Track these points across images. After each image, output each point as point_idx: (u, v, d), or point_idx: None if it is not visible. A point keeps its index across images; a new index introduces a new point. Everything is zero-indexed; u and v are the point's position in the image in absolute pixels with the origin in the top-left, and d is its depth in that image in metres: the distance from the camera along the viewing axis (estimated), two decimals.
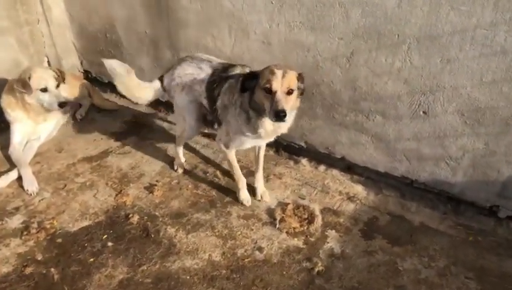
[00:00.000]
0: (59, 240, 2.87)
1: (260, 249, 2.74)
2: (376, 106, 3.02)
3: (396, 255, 2.63)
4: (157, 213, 3.07)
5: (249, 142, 2.84)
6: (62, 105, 3.50)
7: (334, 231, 2.85)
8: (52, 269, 2.64)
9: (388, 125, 3.04)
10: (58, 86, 3.62)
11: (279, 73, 2.36)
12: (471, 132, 2.71)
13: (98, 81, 4.91)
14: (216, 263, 2.66)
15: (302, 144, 3.59)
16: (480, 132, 2.68)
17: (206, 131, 3.91)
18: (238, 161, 3.53)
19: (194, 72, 3.02)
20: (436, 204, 3.03)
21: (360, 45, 2.87)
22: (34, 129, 3.75)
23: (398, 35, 2.70)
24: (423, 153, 2.98)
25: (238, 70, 2.81)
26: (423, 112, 2.84)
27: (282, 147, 3.73)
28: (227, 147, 2.94)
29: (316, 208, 2.99)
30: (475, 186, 2.87)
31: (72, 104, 4.25)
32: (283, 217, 2.94)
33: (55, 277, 2.59)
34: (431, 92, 2.75)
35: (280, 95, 2.35)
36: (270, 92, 2.37)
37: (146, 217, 3.03)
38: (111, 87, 4.83)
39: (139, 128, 4.17)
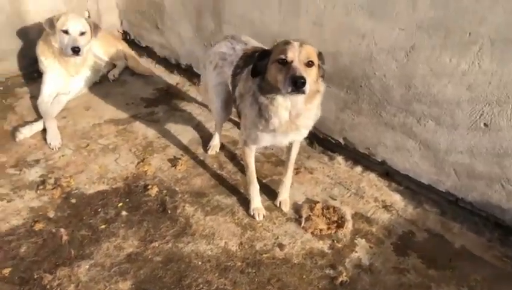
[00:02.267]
0: (73, 201, 2.75)
1: (281, 246, 2.52)
2: (430, 110, 2.71)
3: (430, 279, 2.36)
4: (177, 189, 2.89)
5: (265, 139, 2.40)
6: (75, 50, 3.33)
7: (364, 240, 2.59)
8: (62, 230, 2.52)
9: (440, 133, 2.73)
10: (88, 37, 3.48)
11: (295, 43, 2.04)
12: None
13: (135, 44, 4.76)
14: (232, 252, 2.46)
15: (340, 140, 3.32)
16: None
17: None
18: (267, 149, 3.31)
19: (227, 52, 2.71)
20: (481, 230, 2.71)
21: (423, 39, 2.56)
22: (65, 82, 3.64)
23: (469, 34, 2.38)
24: (476, 170, 2.66)
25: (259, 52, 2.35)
26: (484, 124, 2.52)
27: (317, 140, 3.47)
28: (245, 143, 2.53)
29: (348, 212, 2.74)
30: None
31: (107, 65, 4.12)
32: (310, 215, 2.70)
33: (64, 238, 2.48)
34: (498, 102, 2.42)
35: (298, 64, 1.99)
36: (286, 63, 2.01)
37: (165, 191, 2.86)
38: (148, 51, 4.68)
39: (171, 97, 3.99)
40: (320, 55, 2.18)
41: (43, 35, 3.62)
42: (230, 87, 2.68)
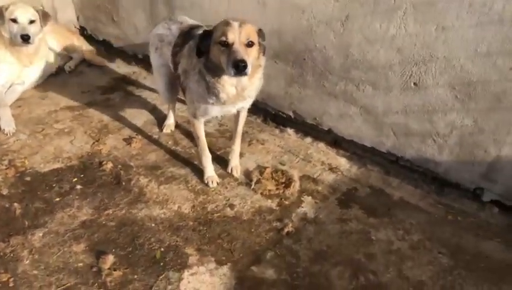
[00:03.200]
0: (27, 179, 2.79)
1: (231, 206, 2.65)
2: (367, 76, 2.92)
3: (370, 226, 2.54)
4: (131, 164, 2.98)
5: (215, 110, 2.52)
6: (24, 38, 3.38)
7: (310, 197, 2.75)
8: (16, 204, 2.56)
9: (378, 97, 2.94)
10: (38, 25, 3.52)
11: (235, 24, 2.13)
12: (461, 107, 2.61)
13: (93, 38, 4.82)
14: (184, 214, 2.57)
15: (290, 113, 3.49)
16: (470, 107, 2.58)
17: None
18: (222, 125, 3.46)
19: (164, 33, 2.82)
20: (420, 184, 2.92)
21: (355, 9, 2.77)
22: (19, 72, 3.65)
23: (394, 0, 2.60)
24: (411, 128, 2.88)
25: (201, 32, 2.40)
26: (414, 84, 2.74)
27: (270, 116, 3.63)
28: (194, 116, 2.63)
29: (295, 174, 2.90)
30: (460, 167, 2.77)
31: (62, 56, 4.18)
32: (260, 179, 2.85)
33: (18, 211, 2.52)
34: (423, 62, 2.64)
35: (238, 46, 2.10)
36: (227, 45, 2.12)
37: (120, 166, 2.94)
38: (105, 45, 4.75)
39: (127, 85, 4.07)
40: (260, 32, 2.28)
41: None
42: (171, 67, 2.76)
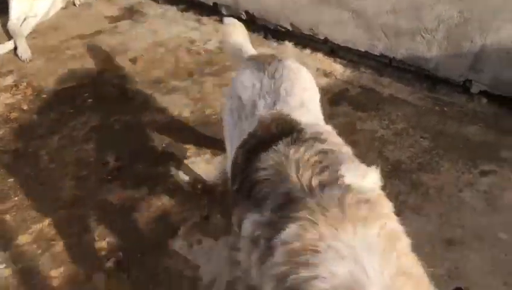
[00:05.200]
0: (44, 96, 3.07)
1: None
2: None
3: (357, 118, 2.68)
4: (137, 80, 3.20)
5: None
6: None
7: None
8: (35, 116, 2.86)
9: None
10: None
11: None
12: None
13: None
14: (184, 118, 2.80)
15: (288, 26, 3.56)
16: None
17: None
18: None
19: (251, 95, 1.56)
20: (412, 82, 3.00)
21: None
22: (31, 5, 3.88)
23: None
24: (400, 27, 2.91)
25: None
26: None
27: (270, 32, 3.71)
28: None
29: None
30: (449, 61, 2.81)
31: None
32: None
33: (36, 121, 2.81)
34: None
35: None
36: None
37: (126, 82, 3.17)
38: None
39: (134, 14, 4.22)
40: None
41: None
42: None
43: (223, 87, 3.05)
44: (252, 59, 1.76)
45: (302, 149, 1.20)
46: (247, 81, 1.59)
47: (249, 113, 1.50)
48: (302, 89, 1.57)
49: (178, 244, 2.09)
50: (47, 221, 2.18)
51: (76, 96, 3.04)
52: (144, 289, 1.94)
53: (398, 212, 1.06)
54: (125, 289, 1.93)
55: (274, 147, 1.24)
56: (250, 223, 1.13)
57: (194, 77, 3.20)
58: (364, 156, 2.36)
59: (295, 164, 1.15)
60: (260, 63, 1.64)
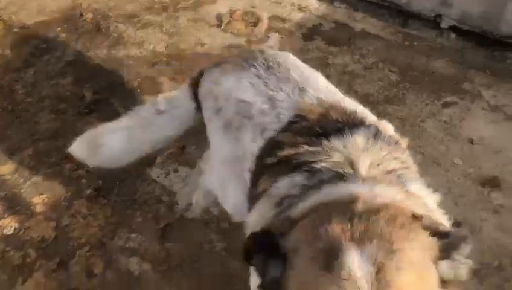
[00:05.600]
0: (16, 30, 3.02)
1: (202, 44, 2.86)
2: None
3: (329, 53, 2.74)
4: (110, 14, 3.14)
5: None
6: None
7: (277, 33, 2.92)
8: (7, 50, 2.84)
9: None
10: None
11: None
12: None
13: None
14: (159, 52, 2.81)
15: None
16: None
17: None
18: None
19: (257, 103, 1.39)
20: (385, 18, 3.03)
21: None
22: None
23: None
24: None
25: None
26: None
27: None
28: None
29: (264, 15, 3.03)
30: None
31: None
32: (230, 20, 3.01)
33: (9, 56, 2.79)
34: None
35: None
36: None
37: (99, 16, 3.11)
38: None
39: None
40: None
41: None
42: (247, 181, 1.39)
43: (199, 21, 3.05)
44: (224, 62, 1.62)
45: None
46: (242, 82, 1.43)
47: (263, 110, 1.35)
48: (306, 70, 1.53)
49: (155, 173, 2.21)
50: (26, 153, 2.26)
51: (48, 31, 3.00)
52: (123, 213, 2.08)
53: None
54: (105, 213, 2.07)
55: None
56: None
57: (169, 11, 3.16)
58: None
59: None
60: (243, 60, 1.50)
